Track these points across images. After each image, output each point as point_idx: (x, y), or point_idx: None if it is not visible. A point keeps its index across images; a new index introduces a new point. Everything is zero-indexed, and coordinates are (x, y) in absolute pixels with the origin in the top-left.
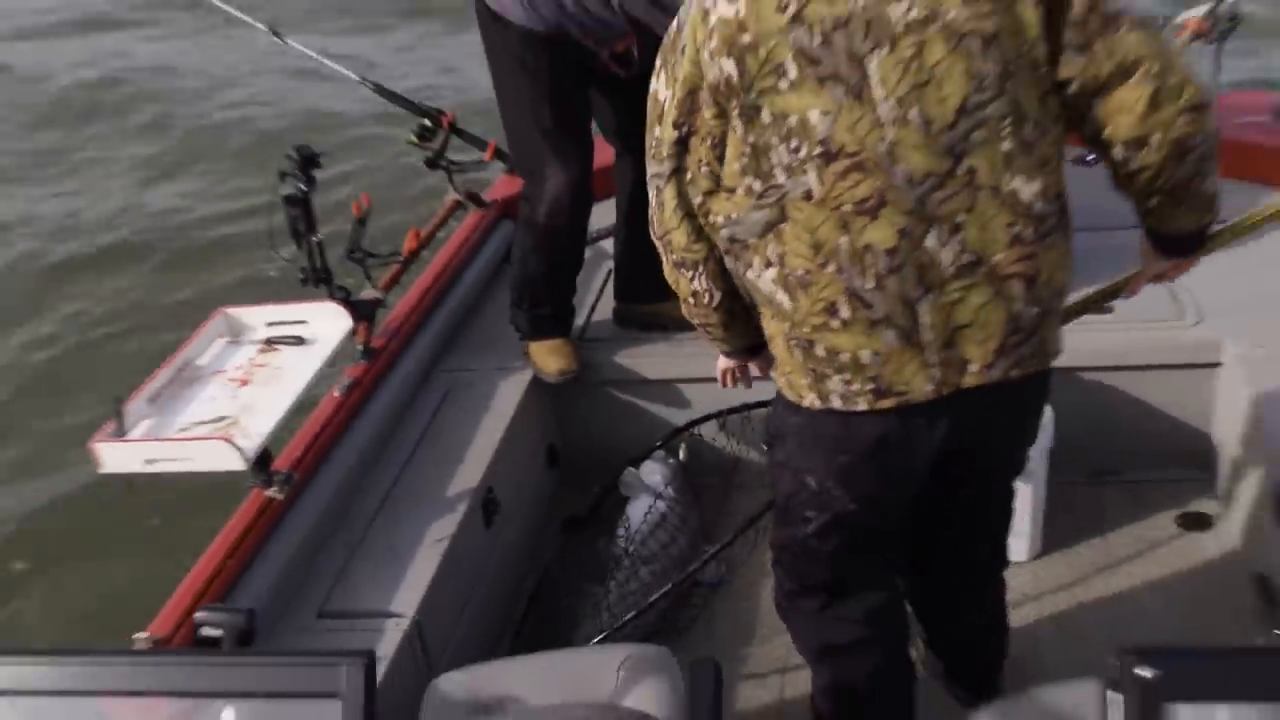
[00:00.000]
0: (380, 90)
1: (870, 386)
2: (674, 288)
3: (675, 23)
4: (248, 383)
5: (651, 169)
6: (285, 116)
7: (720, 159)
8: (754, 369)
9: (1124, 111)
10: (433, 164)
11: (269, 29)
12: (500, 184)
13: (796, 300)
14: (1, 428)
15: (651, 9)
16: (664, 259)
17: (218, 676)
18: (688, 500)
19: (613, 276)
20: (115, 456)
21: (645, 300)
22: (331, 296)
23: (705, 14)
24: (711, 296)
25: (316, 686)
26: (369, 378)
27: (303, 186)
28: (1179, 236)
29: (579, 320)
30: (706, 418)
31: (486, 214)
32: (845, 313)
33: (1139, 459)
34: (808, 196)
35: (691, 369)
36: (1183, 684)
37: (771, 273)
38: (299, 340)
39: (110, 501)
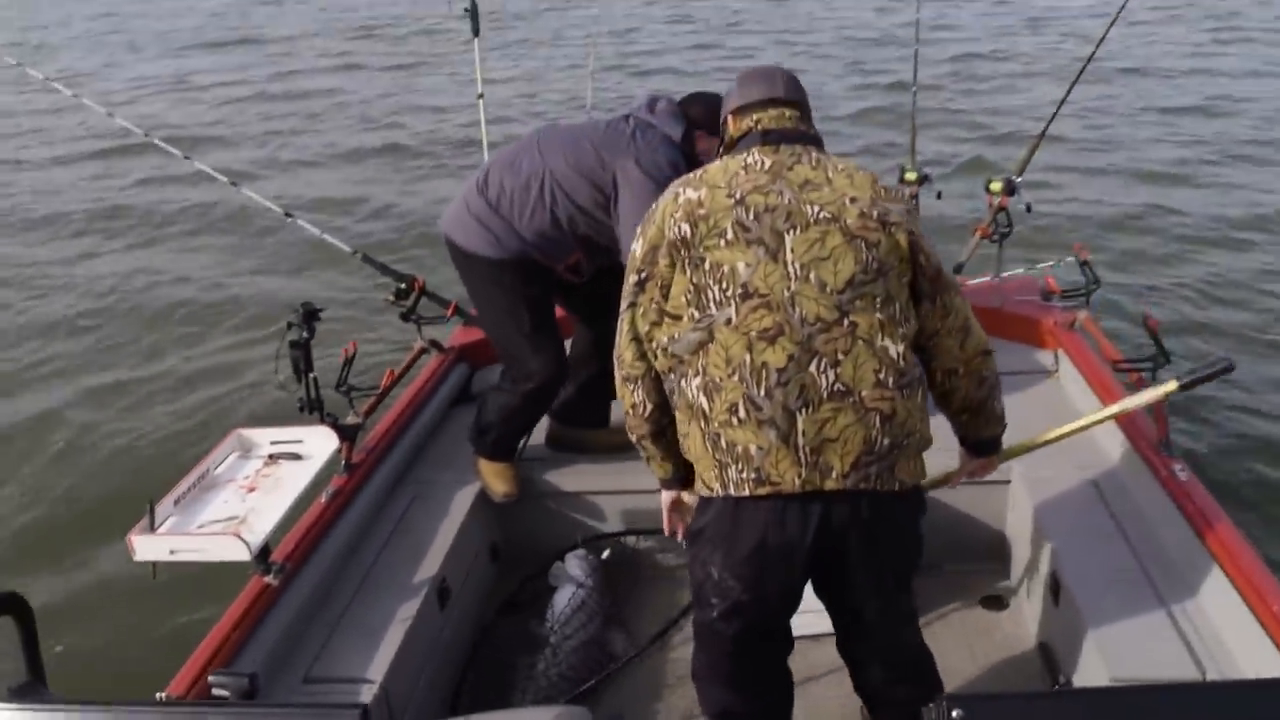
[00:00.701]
0: (367, 260)
1: (754, 475)
2: (620, 399)
3: (652, 207)
4: (254, 489)
5: (626, 299)
6: (298, 275)
7: (666, 298)
8: (686, 498)
9: (946, 350)
10: (405, 317)
11: (283, 210)
12: (457, 334)
13: (712, 401)
14: (52, 520)
15: (594, 224)
16: (616, 375)
17: None
18: (603, 589)
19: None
20: (146, 547)
21: (580, 425)
22: (323, 421)
23: (676, 196)
24: (645, 407)
25: None
26: (350, 487)
27: (305, 334)
28: (982, 442)
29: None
30: (625, 532)
31: (446, 358)
32: (742, 413)
33: (951, 555)
34: (728, 322)
35: (608, 484)
36: None
37: (697, 380)
38: (296, 456)
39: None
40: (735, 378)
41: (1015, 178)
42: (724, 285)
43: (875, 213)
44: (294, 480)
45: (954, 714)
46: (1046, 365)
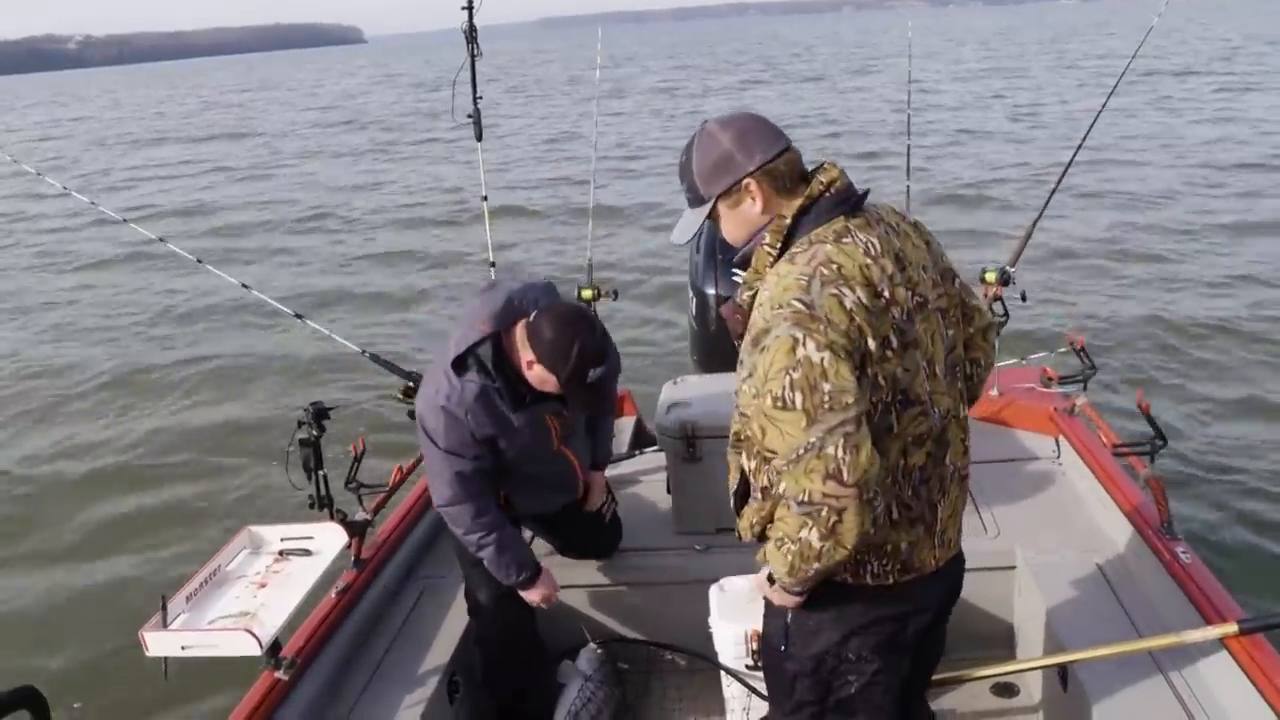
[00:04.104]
0: (375, 359)
1: (898, 566)
2: (852, 534)
3: (799, 302)
4: (265, 585)
5: (833, 419)
6: (312, 375)
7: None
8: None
9: (979, 346)
10: (413, 415)
11: (294, 313)
12: None
13: None
14: (68, 611)
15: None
16: (854, 508)
17: None
18: (612, 681)
19: None
20: (159, 643)
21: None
22: (332, 518)
23: (841, 301)
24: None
25: None
26: (360, 582)
27: (314, 433)
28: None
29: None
30: (629, 639)
31: None
32: (895, 514)
33: (960, 641)
34: (889, 430)
35: (619, 579)
36: None
37: None
38: (306, 552)
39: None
40: (888, 480)
41: (1009, 267)
42: (884, 394)
43: (939, 273)
44: (304, 576)
45: None
46: (1048, 452)
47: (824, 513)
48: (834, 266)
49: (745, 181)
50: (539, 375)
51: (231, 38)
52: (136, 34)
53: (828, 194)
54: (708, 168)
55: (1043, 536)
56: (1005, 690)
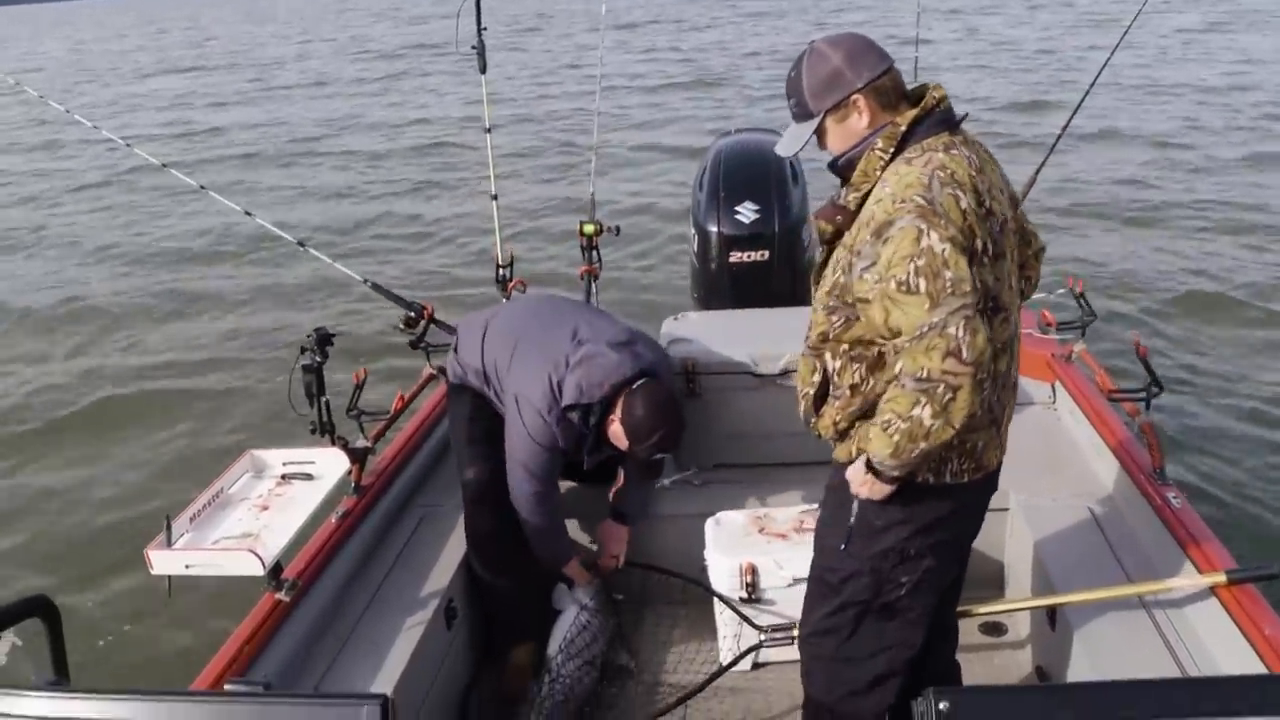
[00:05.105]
0: (377, 288)
1: (973, 464)
2: (963, 411)
3: (921, 198)
4: (267, 508)
5: (955, 303)
6: (312, 305)
7: None
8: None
9: (1033, 266)
10: (415, 345)
11: (296, 240)
12: None
13: None
14: (76, 532)
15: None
16: (968, 386)
17: (266, 713)
18: (607, 610)
19: None
20: (163, 562)
21: None
22: (334, 444)
23: (958, 200)
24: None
25: None
26: (360, 508)
27: (318, 359)
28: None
29: None
30: (632, 564)
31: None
32: (982, 417)
33: None
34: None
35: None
36: (969, 712)
37: None
38: (308, 476)
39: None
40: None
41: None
42: (980, 298)
43: (1008, 197)
44: (305, 500)
45: (940, 706)
46: (1044, 398)
47: (940, 389)
48: (948, 171)
49: (854, 97)
50: (616, 432)
51: None
52: None
53: (937, 109)
54: (818, 83)
55: (1036, 480)
56: (994, 629)
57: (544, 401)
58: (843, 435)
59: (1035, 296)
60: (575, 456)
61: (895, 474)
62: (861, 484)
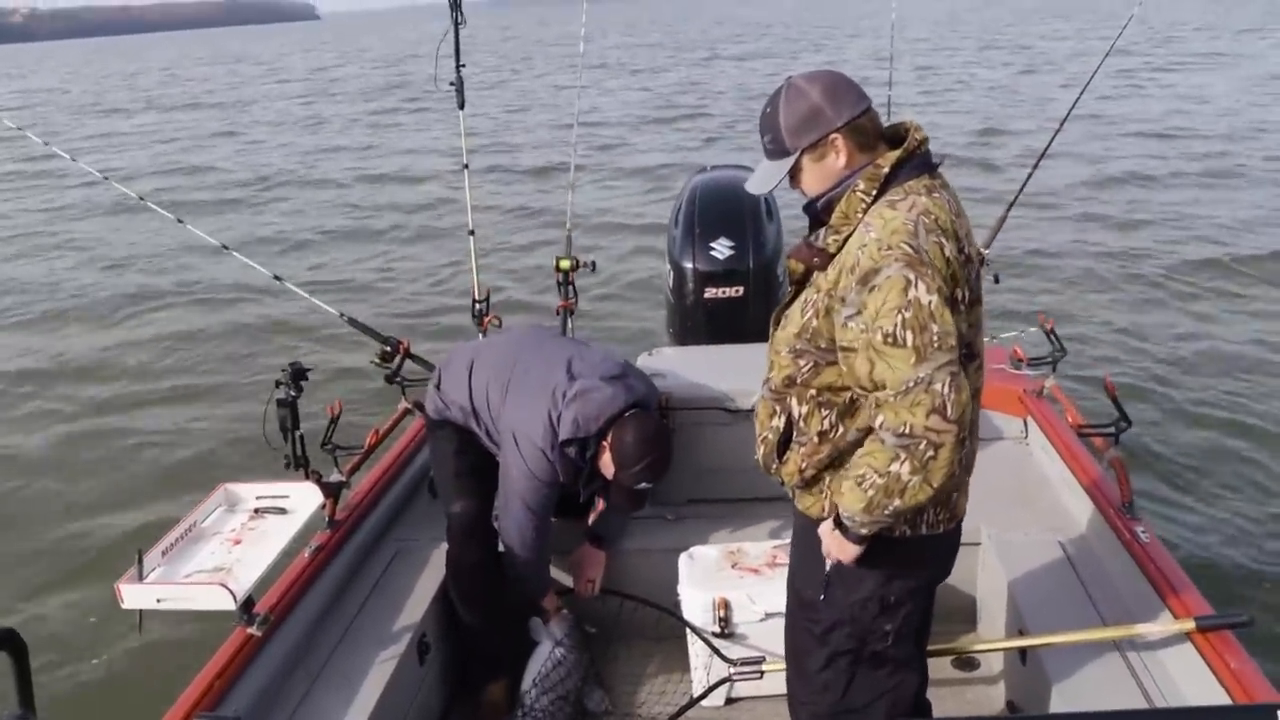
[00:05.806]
0: (354, 324)
1: (948, 515)
2: (942, 471)
3: (908, 246)
4: (240, 542)
5: (942, 358)
6: (288, 340)
7: None
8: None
9: None
10: (390, 379)
11: (272, 274)
12: None
13: None
14: (50, 564)
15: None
16: (950, 444)
17: None
18: (581, 645)
19: None
20: (134, 595)
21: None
22: (308, 477)
23: (941, 249)
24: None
25: None
26: (333, 542)
27: (292, 393)
28: None
29: None
30: (607, 592)
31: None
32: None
33: None
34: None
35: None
36: None
37: None
38: (282, 510)
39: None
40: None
41: (984, 249)
42: (960, 347)
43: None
44: (279, 534)
45: None
46: (1016, 433)
47: (921, 446)
48: (932, 217)
49: (833, 136)
50: (605, 461)
51: (185, 13)
52: (84, 7)
53: (919, 150)
54: (796, 121)
55: (1007, 514)
56: (966, 664)
57: (545, 438)
58: (809, 484)
59: (1006, 335)
60: (572, 489)
61: (863, 532)
62: (831, 541)
